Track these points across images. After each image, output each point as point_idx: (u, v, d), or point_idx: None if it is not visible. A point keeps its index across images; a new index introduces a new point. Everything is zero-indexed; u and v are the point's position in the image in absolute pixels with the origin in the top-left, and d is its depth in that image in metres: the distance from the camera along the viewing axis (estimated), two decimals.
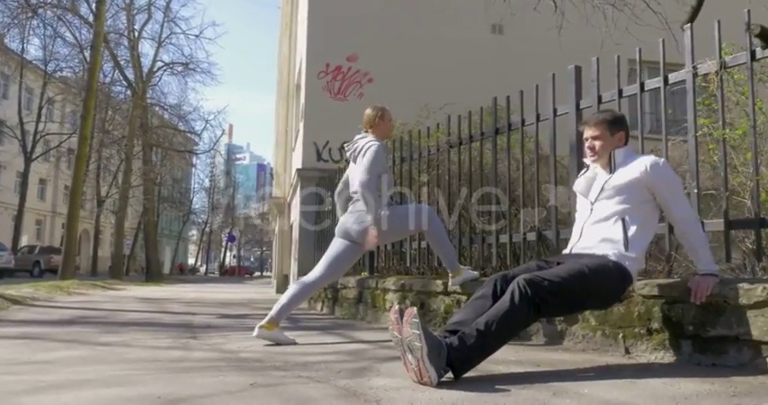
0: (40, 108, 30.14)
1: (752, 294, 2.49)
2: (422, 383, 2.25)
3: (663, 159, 2.70)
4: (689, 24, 3.09)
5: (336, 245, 4.01)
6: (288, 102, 13.39)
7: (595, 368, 2.64)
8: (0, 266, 22.55)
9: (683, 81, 3.10)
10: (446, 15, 10.06)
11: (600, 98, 3.53)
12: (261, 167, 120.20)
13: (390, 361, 2.90)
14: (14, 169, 32.49)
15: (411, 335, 2.27)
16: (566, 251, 2.85)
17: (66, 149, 31.60)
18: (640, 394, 2.07)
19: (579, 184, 2.91)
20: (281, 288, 12.63)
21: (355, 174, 3.97)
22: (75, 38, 21.21)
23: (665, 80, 3.16)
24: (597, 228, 2.69)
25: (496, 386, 2.20)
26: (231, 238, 54.73)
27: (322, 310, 6.72)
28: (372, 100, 9.19)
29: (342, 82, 9.51)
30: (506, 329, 2.39)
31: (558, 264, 2.70)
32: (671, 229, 3.00)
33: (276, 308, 3.80)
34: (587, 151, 2.81)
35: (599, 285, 2.55)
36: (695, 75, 3.03)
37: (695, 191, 2.95)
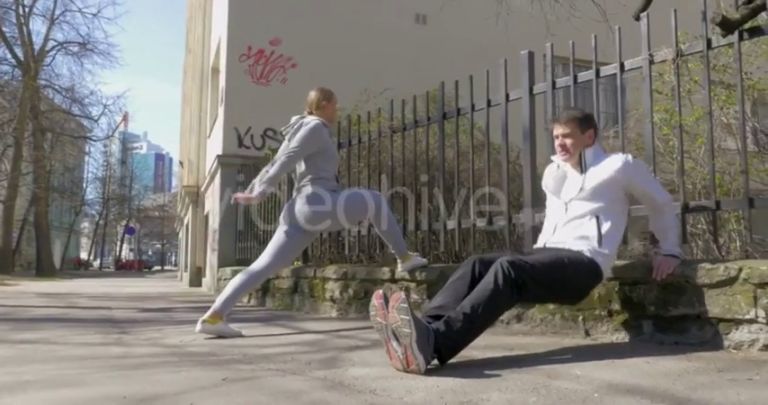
0: None
1: (713, 274, 2.57)
2: (408, 371, 2.15)
3: (629, 155, 2.74)
4: (644, 12, 3.16)
5: (281, 232, 3.81)
6: (201, 85, 12.78)
7: (567, 349, 2.65)
8: None
9: (639, 68, 3.17)
10: (371, 1, 9.94)
11: (554, 84, 3.55)
12: (159, 157, 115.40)
13: (357, 350, 2.79)
14: None
15: (399, 321, 2.16)
16: (537, 245, 2.83)
17: None
18: (633, 373, 2.07)
19: (548, 184, 2.90)
20: (194, 281, 12.11)
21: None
22: None
23: (621, 67, 3.21)
24: (571, 225, 2.69)
25: (485, 371, 2.14)
26: (130, 231, 52.07)
27: (249, 301, 6.45)
28: (296, 85, 9.02)
29: (264, 66, 9.17)
30: (492, 312, 2.35)
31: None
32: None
33: (220, 300, 3.57)
34: (558, 149, 2.79)
35: (575, 277, 2.55)
36: (651, 62, 3.10)
37: (653, 175, 3.02)
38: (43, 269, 21.42)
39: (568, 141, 2.77)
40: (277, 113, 8.79)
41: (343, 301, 4.60)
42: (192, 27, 14.32)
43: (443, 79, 4.32)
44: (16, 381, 2.16)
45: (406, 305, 2.16)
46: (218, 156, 9.04)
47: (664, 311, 2.73)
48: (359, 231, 4.92)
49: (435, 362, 2.25)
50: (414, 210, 4.53)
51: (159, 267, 61.04)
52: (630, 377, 2.01)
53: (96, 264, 56.49)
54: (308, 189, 3.72)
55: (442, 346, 2.22)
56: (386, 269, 4.22)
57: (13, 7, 20.59)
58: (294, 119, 3.86)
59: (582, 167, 2.76)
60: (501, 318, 3.45)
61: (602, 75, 3.34)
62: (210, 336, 3.42)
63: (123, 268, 51.43)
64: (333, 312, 4.66)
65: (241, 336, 3.47)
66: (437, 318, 2.34)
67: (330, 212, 3.72)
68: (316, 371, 2.28)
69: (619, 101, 3.28)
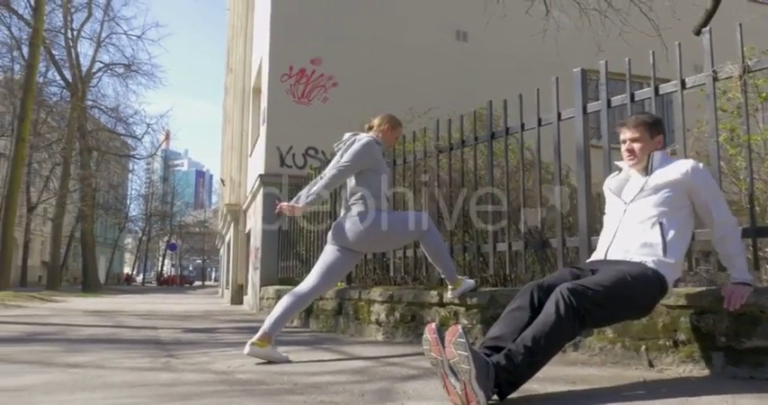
0: None
1: None
2: None
3: (702, 163, 2.60)
4: (707, 27, 3.02)
5: (330, 252, 3.75)
6: (243, 105, 12.94)
7: (633, 385, 2.50)
8: None
9: (701, 85, 3.03)
10: (410, 19, 9.94)
11: (609, 102, 3.43)
12: (200, 174, 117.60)
13: (410, 381, 2.69)
14: None
15: (457, 357, 2.06)
16: (596, 255, 2.70)
17: None
18: None
19: (610, 185, 2.78)
20: (236, 299, 12.16)
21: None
22: (12, 35, 20.02)
23: (683, 84, 3.08)
24: (633, 231, 2.55)
25: None
26: (172, 247, 52.96)
27: (293, 322, 6.41)
28: (337, 105, 9.05)
29: (306, 85, 9.22)
30: (555, 344, 2.22)
31: (593, 271, 2.55)
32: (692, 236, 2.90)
33: (269, 322, 3.52)
34: (625, 154, 2.68)
35: (640, 294, 2.40)
36: (715, 78, 2.95)
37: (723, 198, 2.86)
38: (89, 285, 21.87)
39: (636, 146, 2.65)
40: (318, 132, 8.89)
41: (390, 324, 4.51)
42: (233, 47, 14.57)
43: (485, 97, 4.24)
44: None
45: (463, 340, 2.06)
46: (260, 175, 9.09)
47: (736, 343, 2.57)
48: (404, 252, 4.84)
49: (495, 397, 2.14)
50: (462, 231, 4.43)
51: (200, 283, 61.89)
52: None
53: (139, 279, 57.60)
54: (357, 208, 3.65)
55: (502, 381, 2.12)
56: (434, 293, 4.12)
57: (62, 31, 21.32)
58: (347, 135, 3.83)
59: (648, 170, 2.63)
60: None
61: (661, 92, 3.20)
62: (259, 360, 3.37)
63: (165, 283, 52.30)
64: (378, 336, 4.57)
65: (289, 361, 3.41)
66: (495, 349, 2.23)
67: (379, 233, 3.65)
68: (369, 404, 2.20)
69: (683, 119, 3.13)
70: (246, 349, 3.40)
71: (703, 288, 2.81)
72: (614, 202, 2.73)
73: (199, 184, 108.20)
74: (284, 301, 3.62)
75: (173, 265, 66.22)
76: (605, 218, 2.79)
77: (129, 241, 61.51)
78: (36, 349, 4.09)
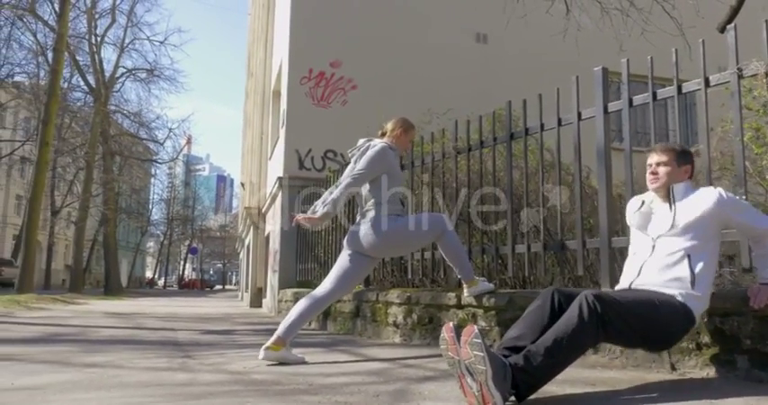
0: None
1: None
2: None
3: (720, 188, 2.54)
4: (732, 24, 2.95)
5: (346, 257, 3.75)
6: (263, 108, 13.01)
7: (654, 386, 2.45)
8: None
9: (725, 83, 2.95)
10: (430, 22, 9.92)
11: (631, 101, 3.37)
12: (221, 179, 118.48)
13: (426, 382, 2.66)
14: None
15: (473, 357, 2.03)
16: (621, 286, 2.61)
17: (18, 158, 30.33)
18: None
19: (634, 219, 2.69)
20: (255, 302, 12.20)
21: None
22: (38, 41, 20.41)
23: (706, 82, 3.01)
24: (660, 265, 2.47)
25: None
26: (193, 251, 53.45)
27: (311, 325, 6.40)
28: (356, 107, 9.05)
29: (325, 88, 9.24)
30: (576, 348, 2.16)
31: None
32: None
33: (284, 326, 3.51)
34: (649, 177, 2.61)
35: (665, 321, 2.33)
36: (740, 76, 2.88)
37: (744, 198, 2.79)
38: (111, 288, 22.11)
39: (662, 169, 2.57)
40: (338, 135, 8.88)
41: (407, 326, 4.47)
42: (254, 51, 14.67)
43: (505, 98, 4.18)
44: None
45: (479, 340, 2.02)
46: (278, 177, 9.11)
47: (762, 346, 2.50)
48: (422, 254, 4.80)
49: (513, 398, 2.10)
50: (480, 233, 4.38)
51: (221, 287, 62.31)
52: None
53: (161, 282, 58.17)
54: (372, 213, 3.65)
55: (520, 382, 2.07)
56: (451, 294, 4.08)
57: (87, 37, 21.68)
58: (361, 141, 3.82)
59: (670, 202, 2.57)
60: None
61: (684, 90, 3.13)
62: (274, 362, 3.36)
63: (186, 287, 52.73)
64: (396, 338, 4.54)
65: (305, 362, 3.39)
66: (513, 350, 2.19)
67: (394, 238, 3.64)
68: None
69: (707, 118, 3.05)
70: (261, 354, 3.38)
71: (726, 289, 2.73)
72: (639, 236, 2.66)
73: (220, 188, 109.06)
74: (300, 305, 3.62)
75: (194, 269, 66.77)
76: (630, 249, 2.72)
77: (151, 245, 62.15)
78: (55, 349, 4.13)
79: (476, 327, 2.10)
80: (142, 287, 47.02)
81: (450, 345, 2.15)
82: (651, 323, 2.31)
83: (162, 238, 52.99)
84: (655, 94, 3.24)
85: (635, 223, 2.68)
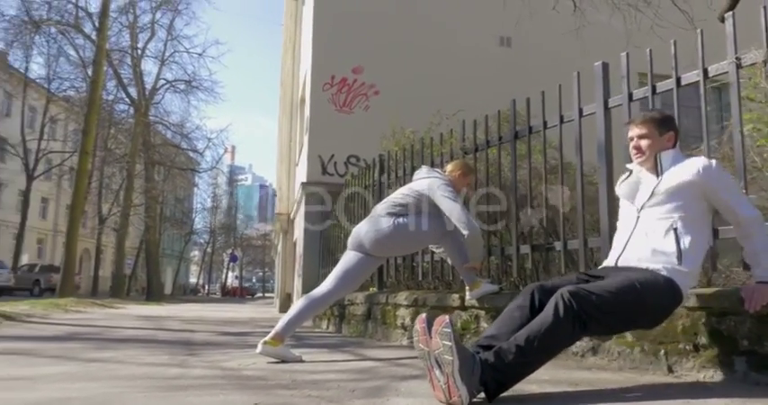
0: (43, 126, 30.02)
1: None
2: (450, 404, 1.97)
3: (714, 160, 2.43)
4: (730, 12, 2.85)
5: (348, 257, 3.77)
6: (291, 116, 13.19)
7: (641, 387, 2.36)
8: None
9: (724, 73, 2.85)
10: (452, 27, 9.90)
11: (631, 95, 3.28)
12: (262, 188, 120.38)
13: (408, 380, 2.63)
14: (16, 187, 32.31)
15: (441, 347, 2.00)
16: (607, 263, 2.55)
17: (68, 168, 31.39)
18: None
19: (622, 189, 2.62)
20: (284, 307, 12.29)
21: (401, 191, 3.84)
22: (79, 55, 21.21)
23: (705, 73, 2.91)
24: (645, 238, 2.39)
25: None
26: (233, 259, 54.33)
27: (328, 328, 6.42)
28: (379, 112, 9.07)
29: (347, 94, 9.31)
30: (549, 347, 2.09)
31: (601, 278, 2.40)
32: (715, 234, 2.72)
33: (282, 322, 3.53)
34: (632, 151, 2.53)
35: (650, 302, 2.24)
36: (739, 66, 2.78)
37: (744, 192, 2.68)
38: (153, 294, 22.62)
39: (644, 143, 2.49)
40: (360, 140, 8.93)
41: (414, 328, 4.43)
42: (285, 61, 14.90)
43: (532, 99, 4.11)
44: (59, 397, 2.18)
45: (449, 330, 1.99)
46: (302, 183, 9.20)
47: (759, 347, 2.38)
48: (432, 256, 4.76)
49: (482, 395, 2.05)
50: (485, 234, 4.32)
51: (261, 294, 63.10)
52: None
53: (204, 290, 59.24)
54: (376, 213, 3.69)
55: (489, 379, 2.02)
56: (455, 296, 4.03)
57: (129, 51, 22.38)
58: (425, 169, 3.97)
59: (658, 172, 2.47)
60: (574, 349, 3.19)
61: (683, 83, 3.04)
62: (272, 360, 3.38)
63: (228, 294, 53.57)
64: (404, 340, 4.50)
65: (301, 361, 3.40)
66: (488, 348, 2.14)
67: (396, 237, 3.65)
68: (355, 400, 2.16)
69: (705, 110, 2.96)
70: (258, 348, 3.41)
71: (724, 288, 2.62)
72: (626, 207, 2.58)
73: (261, 197, 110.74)
74: (299, 304, 3.64)
75: (236, 277, 67.81)
76: (618, 224, 2.64)
77: (195, 253, 63.41)
78: (68, 346, 4.24)
79: (448, 317, 2.07)
80: (186, 294, 47.95)
81: (421, 335, 2.13)
82: (635, 308, 2.22)
83: (205, 247, 54.01)
84: (654, 88, 3.15)
85: (622, 193, 2.60)
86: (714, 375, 2.51)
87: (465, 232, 3.52)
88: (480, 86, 9.49)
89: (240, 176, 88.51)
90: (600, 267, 2.60)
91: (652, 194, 2.41)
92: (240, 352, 4.05)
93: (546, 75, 8.84)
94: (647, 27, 4.91)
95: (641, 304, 2.22)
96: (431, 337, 2.06)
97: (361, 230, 3.75)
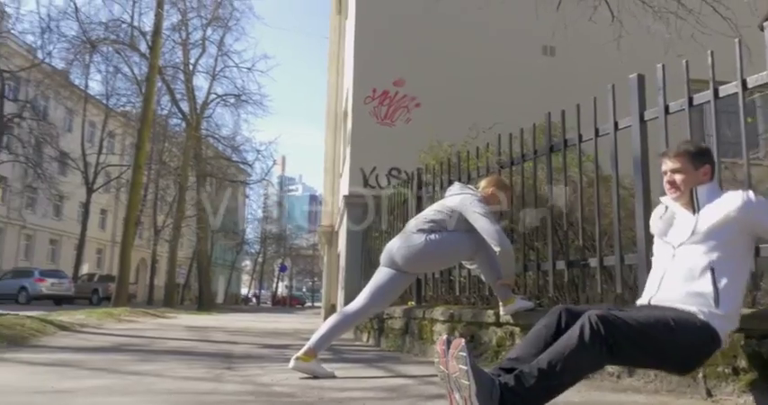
0: (102, 141, 31.31)
1: None
2: None
3: (749, 191, 2.32)
4: None
5: (380, 273, 3.79)
6: (336, 129, 13.35)
7: None
8: (60, 294, 23.26)
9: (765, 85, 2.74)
10: (495, 38, 9.84)
11: (667, 108, 3.18)
12: (313, 198, 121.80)
13: (435, 399, 2.61)
14: (77, 200, 33.67)
15: (458, 371, 1.97)
16: (641, 301, 2.45)
17: (125, 181, 32.48)
18: None
19: (656, 226, 2.51)
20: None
21: (433, 208, 3.86)
22: (133, 73, 22.06)
23: (744, 84, 2.80)
24: (681, 278, 2.28)
25: None
26: (283, 269, 55.15)
27: (368, 340, 6.43)
28: (420, 124, 9.07)
29: (389, 107, 9.36)
30: (573, 371, 2.02)
31: None
32: (757, 251, 2.60)
33: (315, 338, 3.57)
34: (666, 186, 2.43)
35: (684, 343, 2.13)
36: None
37: None
38: (204, 303, 23.14)
39: (678, 177, 2.38)
40: (401, 153, 8.94)
41: None
42: (329, 74, 15.11)
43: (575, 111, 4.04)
44: None
45: (464, 353, 1.97)
46: (344, 196, 9.28)
47: None
48: (469, 272, 4.72)
49: None
50: (522, 249, 4.26)
51: (310, 304, 63.69)
52: None
53: (255, 299, 60.22)
54: (414, 238, 3.70)
55: (508, 403, 1.98)
56: (491, 312, 3.98)
57: (181, 67, 23.12)
58: (458, 185, 3.96)
59: (695, 207, 2.36)
60: (610, 370, 3.10)
61: (721, 94, 2.93)
62: (304, 375, 3.41)
63: (278, 304, 54.29)
64: None
65: (333, 377, 3.42)
66: (510, 371, 2.09)
67: (427, 254, 3.65)
68: None
69: (743, 124, 2.85)
70: (291, 363, 3.45)
71: (764, 309, 2.51)
72: (661, 245, 2.47)
73: (311, 207, 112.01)
74: (331, 320, 3.68)
75: (286, 287, 68.70)
76: (653, 260, 2.56)
77: (247, 263, 64.56)
78: (112, 358, 4.38)
79: (463, 340, 2.05)
80: (237, 303, 48.83)
81: (440, 357, 2.11)
82: (666, 346, 2.12)
83: (256, 257, 54.97)
84: (691, 100, 3.06)
85: (657, 231, 2.50)
86: (755, 401, 2.40)
87: (497, 249, 3.49)
88: (524, 96, 9.38)
89: (291, 187, 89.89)
90: (636, 305, 2.51)
91: (692, 233, 2.29)
92: (277, 366, 4.10)
93: (591, 84, 8.68)
94: (689, 35, 4.76)
95: (673, 343, 2.11)
96: (449, 360, 2.04)
97: (393, 246, 3.76)
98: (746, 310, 2.52)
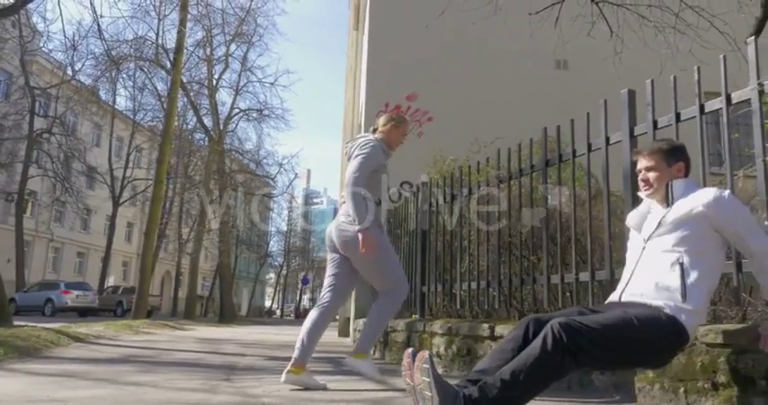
0: (128, 155, 31.98)
1: None
2: None
3: (728, 191, 2.34)
4: (752, 38, 2.75)
5: (330, 261, 3.79)
6: None
7: None
8: (85, 306, 23.68)
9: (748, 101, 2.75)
10: (509, 52, 9.87)
11: (655, 123, 3.20)
12: (336, 211, 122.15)
13: None
14: (104, 213, 34.37)
15: (422, 383, 2.01)
16: (613, 297, 2.48)
17: (151, 194, 33.16)
18: None
19: (632, 219, 2.56)
20: (343, 332, 12.40)
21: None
22: (156, 88, 22.58)
23: (728, 100, 2.81)
24: (650, 271, 2.31)
25: None
26: (305, 281, 55.31)
27: (374, 353, 6.45)
28: (432, 138, 9.08)
29: None
30: (537, 380, 2.05)
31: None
32: (739, 267, 2.60)
33: (297, 348, 3.61)
34: (641, 183, 2.48)
35: (648, 340, 2.15)
36: (762, 92, 2.67)
37: (767, 224, 2.55)
38: (225, 315, 23.33)
39: (651, 175, 2.44)
40: (413, 167, 8.97)
41: (448, 357, 4.42)
42: (347, 89, 15.27)
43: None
44: None
45: (428, 365, 2.01)
46: None
47: None
48: (470, 284, 4.75)
49: None
50: (519, 263, 4.27)
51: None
52: None
53: (278, 312, 60.51)
54: (343, 210, 3.67)
55: None
56: (485, 326, 3.99)
57: (205, 83, 23.56)
58: (357, 136, 3.89)
59: (668, 202, 2.40)
60: (597, 384, 3.10)
61: (707, 110, 2.94)
62: (296, 387, 3.45)
63: (300, 317, 54.45)
64: (438, 369, 4.47)
65: (325, 389, 3.45)
66: (476, 382, 2.12)
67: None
68: None
69: (729, 139, 2.86)
70: (283, 377, 3.50)
71: (742, 324, 2.50)
72: (634, 238, 2.51)
73: None
74: (306, 324, 3.71)
75: (309, 299, 68.88)
76: (626, 255, 2.58)
77: (271, 276, 64.93)
78: (117, 369, 4.47)
79: (428, 352, 2.09)
80: (261, 316, 49.08)
81: (406, 370, 2.15)
82: (632, 344, 2.14)
83: (279, 269, 55.31)
84: (678, 115, 3.07)
85: (632, 224, 2.53)
86: None
87: (348, 190, 3.45)
88: (537, 110, 9.35)
89: (315, 199, 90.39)
90: (606, 302, 2.54)
91: (659, 224, 2.34)
92: (274, 377, 4.13)
93: (604, 97, 8.71)
94: (695, 48, 4.74)
95: (639, 341, 2.14)
96: (413, 372, 2.08)
97: (330, 231, 3.75)
98: (727, 327, 2.52)
